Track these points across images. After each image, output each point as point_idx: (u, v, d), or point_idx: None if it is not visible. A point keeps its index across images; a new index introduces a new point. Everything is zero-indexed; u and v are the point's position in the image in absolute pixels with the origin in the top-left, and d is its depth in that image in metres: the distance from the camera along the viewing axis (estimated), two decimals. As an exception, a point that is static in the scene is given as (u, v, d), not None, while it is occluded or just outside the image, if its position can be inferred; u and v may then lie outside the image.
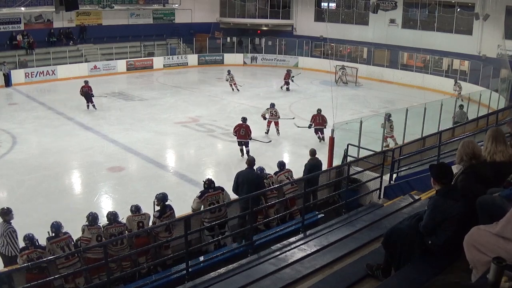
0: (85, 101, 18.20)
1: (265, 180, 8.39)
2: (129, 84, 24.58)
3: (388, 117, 13.51)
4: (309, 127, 14.76)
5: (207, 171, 12.67)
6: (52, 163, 12.67)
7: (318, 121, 14.68)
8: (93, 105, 18.26)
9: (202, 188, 7.94)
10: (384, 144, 13.04)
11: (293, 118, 15.59)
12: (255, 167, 8.17)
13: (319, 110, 14.86)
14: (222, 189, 7.89)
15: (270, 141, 14.37)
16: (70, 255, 6.33)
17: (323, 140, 14.20)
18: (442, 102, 14.68)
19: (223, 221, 7.37)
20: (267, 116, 15.33)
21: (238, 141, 13.21)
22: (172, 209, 7.39)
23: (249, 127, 13.24)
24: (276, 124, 15.34)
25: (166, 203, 7.38)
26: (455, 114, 15.47)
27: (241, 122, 13.31)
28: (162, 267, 6.98)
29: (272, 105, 15.57)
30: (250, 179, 7.80)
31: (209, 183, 7.88)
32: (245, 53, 30.80)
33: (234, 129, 13.32)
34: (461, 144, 3.94)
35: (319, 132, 14.64)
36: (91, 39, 27.26)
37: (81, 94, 18.20)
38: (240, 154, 13.10)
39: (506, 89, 19.97)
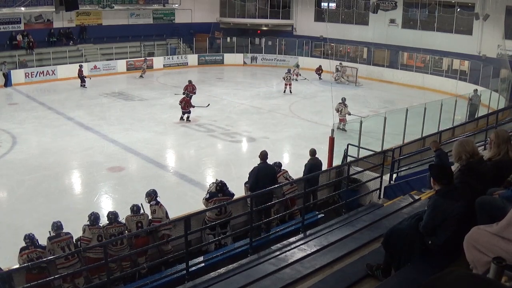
0: (80, 82, 22.63)
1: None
2: (129, 84, 24.58)
3: (343, 101, 15.90)
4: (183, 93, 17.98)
5: (207, 171, 12.68)
6: (52, 163, 12.67)
7: (190, 90, 18.79)
8: (84, 85, 22.64)
9: (203, 188, 7.96)
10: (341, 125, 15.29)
11: (208, 105, 18.02)
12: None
13: (190, 81, 19.49)
14: (233, 195, 7.84)
15: (209, 104, 17.90)
16: (70, 255, 6.33)
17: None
18: (442, 102, 14.69)
19: (225, 221, 7.38)
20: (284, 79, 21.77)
21: (183, 111, 16.79)
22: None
23: (189, 101, 17.01)
24: (290, 85, 21.99)
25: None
26: (471, 96, 16.93)
27: (184, 96, 17.15)
28: (162, 266, 6.97)
29: (288, 71, 22.38)
30: (269, 174, 7.86)
31: (221, 187, 7.73)
32: (245, 53, 30.80)
33: (181, 102, 16.84)
34: (458, 143, 3.94)
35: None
36: (91, 39, 27.26)
37: (78, 76, 22.65)
38: (184, 118, 16.83)
39: (506, 89, 19.97)
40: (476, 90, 17.40)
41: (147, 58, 27.15)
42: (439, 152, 8.05)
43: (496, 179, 3.78)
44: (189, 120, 16.71)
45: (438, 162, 7.95)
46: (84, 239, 6.68)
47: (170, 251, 7.11)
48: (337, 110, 15.59)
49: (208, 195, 7.74)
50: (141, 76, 25.65)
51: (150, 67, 26.94)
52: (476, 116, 16.23)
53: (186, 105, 16.83)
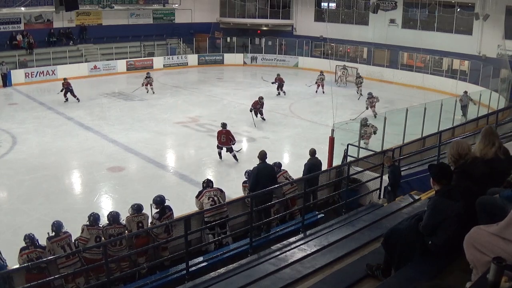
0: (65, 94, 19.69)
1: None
2: (129, 84, 24.53)
3: (365, 122, 13.22)
4: None
5: (207, 171, 12.68)
6: (52, 163, 12.67)
7: (256, 106, 17.08)
8: (67, 99, 19.72)
9: (201, 189, 8.04)
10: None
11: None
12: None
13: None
14: (221, 190, 7.99)
15: (241, 148, 14.05)
16: (70, 255, 6.33)
17: None
18: (442, 102, 14.69)
19: (224, 221, 7.39)
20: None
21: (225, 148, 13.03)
22: (171, 210, 7.39)
23: (229, 132, 12.92)
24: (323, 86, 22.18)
25: (165, 204, 7.38)
26: (462, 97, 17.14)
27: (221, 129, 13.00)
28: (160, 268, 6.95)
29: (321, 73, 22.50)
30: (269, 174, 7.91)
31: (207, 183, 8.05)
32: (245, 53, 30.81)
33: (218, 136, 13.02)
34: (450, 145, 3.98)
35: None
36: (91, 39, 27.26)
37: (63, 88, 19.66)
38: (218, 157, 13.13)
39: (506, 89, 19.97)
40: (466, 92, 17.61)
41: (150, 75, 22.03)
42: (393, 168, 8.28)
43: (491, 178, 3.76)
44: (237, 153, 13.13)
45: (391, 177, 8.19)
46: (82, 239, 6.68)
47: (166, 255, 7.09)
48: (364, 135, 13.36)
49: (197, 193, 7.97)
50: (150, 91, 21.59)
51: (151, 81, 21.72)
52: (467, 116, 16.59)
53: (227, 139, 12.93)
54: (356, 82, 22.19)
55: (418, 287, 1.73)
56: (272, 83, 21.81)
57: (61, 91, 19.57)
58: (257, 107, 16.92)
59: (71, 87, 19.67)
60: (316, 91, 22.24)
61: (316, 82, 22.61)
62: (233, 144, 12.96)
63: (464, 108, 17.21)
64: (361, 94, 21.09)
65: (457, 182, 3.70)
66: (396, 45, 25.89)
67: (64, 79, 19.97)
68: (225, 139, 12.80)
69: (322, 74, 22.43)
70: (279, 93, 21.66)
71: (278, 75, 22.01)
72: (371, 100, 17.83)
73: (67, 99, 19.58)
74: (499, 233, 2.65)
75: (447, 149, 10.46)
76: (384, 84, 25.42)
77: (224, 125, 13.08)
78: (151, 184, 11.28)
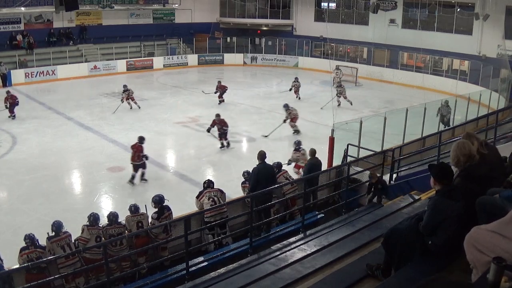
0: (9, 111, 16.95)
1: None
2: (129, 84, 24.29)
3: (298, 146, 11.16)
4: None
5: (207, 171, 12.68)
6: (52, 163, 12.67)
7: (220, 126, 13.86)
8: (13, 116, 16.95)
9: (202, 189, 8.06)
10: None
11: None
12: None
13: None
14: (221, 190, 8.01)
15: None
16: (70, 255, 6.33)
17: None
18: (442, 102, 14.69)
19: (224, 221, 7.39)
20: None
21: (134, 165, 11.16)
22: (170, 210, 7.40)
23: (141, 148, 11.17)
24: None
25: (164, 204, 7.39)
26: (441, 107, 15.71)
27: (136, 142, 11.29)
28: (160, 268, 6.95)
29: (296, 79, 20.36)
30: (269, 174, 7.94)
31: (208, 183, 8.08)
32: (245, 53, 30.82)
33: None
34: (455, 145, 3.82)
35: None
36: (91, 39, 27.27)
37: (6, 103, 16.96)
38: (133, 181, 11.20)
39: (506, 89, 19.97)
40: (447, 101, 15.86)
41: (127, 88, 18.69)
42: (384, 182, 8.29)
43: (493, 179, 3.76)
44: (145, 179, 11.31)
45: (383, 186, 8.14)
46: (82, 239, 6.69)
47: (166, 255, 7.09)
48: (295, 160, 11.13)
49: (198, 194, 8.02)
50: (133, 104, 18.73)
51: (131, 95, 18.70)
52: (448, 126, 15.03)
53: (134, 155, 11.13)
54: (338, 91, 19.23)
55: (427, 283, 1.70)
56: (215, 92, 19.56)
57: (6, 107, 16.86)
58: (218, 127, 13.75)
59: (17, 100, 17.01)
60: (299, 98, 20.38)
61: (290, 89, 20.59)
62: (146, 159, 11.18)
63: (443, 118, 15.47)
64: (338, 103, 18.98)
65: (462, 184, 3.68)
66: (396, 45, 25.90)
67: (7, 92, 17.31)
68: (133, 154, 11.13)
69: (297, 81, 20.71)
70: (220, 102, 19.56)
71: (219, 82, 19.72)
72: (290, 113, 15.25)
73: (14, 116, 16.88)
74: (499, 229, 2.64)
75: (447, 149, 10.49)
76: (384, 84, 25.43)
77: (141, 139, 11.30)
78: (151, 184, 11.27)
